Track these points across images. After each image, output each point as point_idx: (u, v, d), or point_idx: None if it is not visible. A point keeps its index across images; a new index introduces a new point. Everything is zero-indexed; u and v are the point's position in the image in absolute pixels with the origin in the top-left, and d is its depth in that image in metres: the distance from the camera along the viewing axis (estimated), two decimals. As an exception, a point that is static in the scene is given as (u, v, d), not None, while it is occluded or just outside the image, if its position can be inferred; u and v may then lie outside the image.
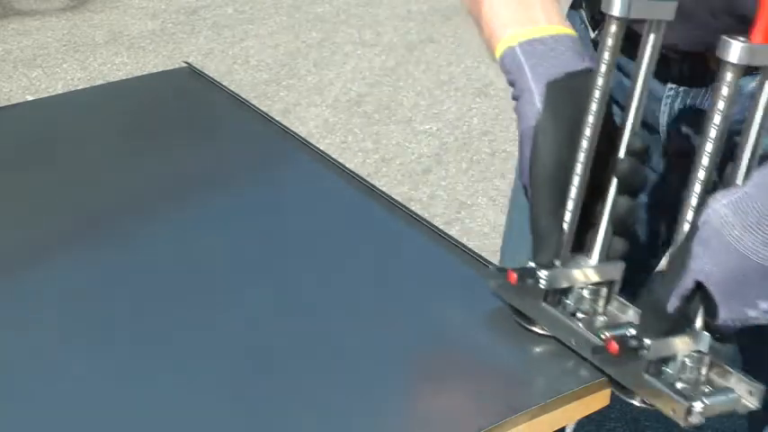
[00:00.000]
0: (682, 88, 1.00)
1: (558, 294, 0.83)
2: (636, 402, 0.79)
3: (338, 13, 3.97)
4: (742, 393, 0.75)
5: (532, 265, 0.83)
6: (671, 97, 1.01)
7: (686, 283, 0.72)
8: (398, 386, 0.82)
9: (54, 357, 0.84)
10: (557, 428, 0.81)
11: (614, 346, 0.75)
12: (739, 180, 0.74)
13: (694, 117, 0.98)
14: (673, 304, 0.73)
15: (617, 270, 0.84)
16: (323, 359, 0.84)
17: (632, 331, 0.78)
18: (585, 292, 0.84)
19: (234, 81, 3.27)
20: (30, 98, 3.13)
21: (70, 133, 1.20)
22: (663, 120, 1.03)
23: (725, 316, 0.72)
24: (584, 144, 0.80)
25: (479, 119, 3.21)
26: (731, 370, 0.76)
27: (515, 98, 0.85)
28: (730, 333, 0.75)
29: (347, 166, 1.12)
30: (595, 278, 0.83)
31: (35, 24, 3.82)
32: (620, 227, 0.83)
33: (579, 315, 0.84)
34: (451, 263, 0.97)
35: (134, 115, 1.25)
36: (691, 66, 0.98)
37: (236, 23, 3.82)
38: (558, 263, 0.82)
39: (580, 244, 0.84)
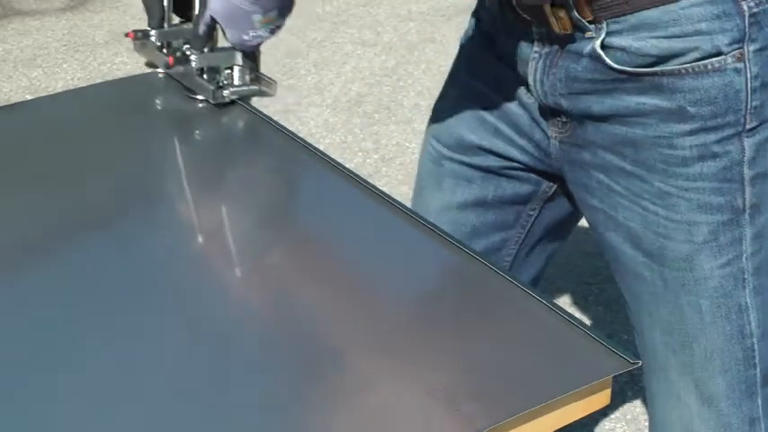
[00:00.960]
0: (544, 49, 1.09)
1: (171, 48, 1.27)
2: (198, 98, 1.23)
3: (338, 13, 3.97)
4: (264, 87, 1.23)
5: (148, 29, 1.26)
6: (534, 59, 1.10)
7: (206, 17, 1.15)
8: (398, 386, 0.82)
9: (49, 356, 0.84)
10: (557, 428, 0.81)
11: (171, 60, 1.23)
12: None
13: (551, 77, 1.09)
14: (201, 29, 1.17)
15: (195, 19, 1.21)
16: (322, 358, 0.84)
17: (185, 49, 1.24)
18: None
19: (234, 81, 3.26)
20: (30, 98, 3.13)
21: (69, 132, 1.20)
22: (531, 80, 1.12)
23: (230, 38, 1.16)
24: None
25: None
26: (263, 76, 1.22)
27: None
28: (250, 51, 1.20)
29: (347, 166, 1.12)
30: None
31: (35, 24, 3.82)
32: None
33: (187, 53, 1.23)
34: (451, 263, 0.97)
35: (133, 114, 1.25)
36: (546, 30, 1.07)
37: (236, 23, 3.82)
38: (166, 26, 1.26)
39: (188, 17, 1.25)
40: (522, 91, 1.15)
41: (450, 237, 0.99)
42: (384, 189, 1.09)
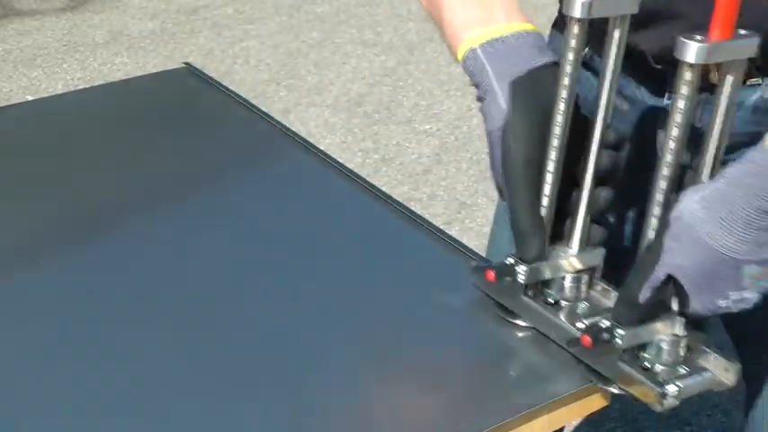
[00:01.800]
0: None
1: (539, 286, 0.86)
2: (614, 390, 0.81)
3: (338, 13, 3.96)
4: (718, 372, 0.79)
5: (511, 260, 0.85)
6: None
7: (658, 276, 0.75)
8: (398, 386, 0.82)
9: (55, 353, 0.84)
10: (557, 428, 0.81)
11: (587, 340, 0.78)
12: (705, 176, 0.76)
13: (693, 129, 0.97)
14: (644, 295, 0.76)
15: (597, 256, 0.86)
16: (321, 358, 0.84)
17: (606, 323, 0.79)
18: (567, 281, 0.86)
19: (234, 81, 3.26)
20: (30, 98, 3.13)
21: (70, 133, 1.20)
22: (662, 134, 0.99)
23: (696, 306, 0.76)
24: (555, 141, 0.82)
25: (479, 119, 3.20)
26: (708, 350, 0.79)
27: (480, 99, 0.85)
28: (704, 318, 0.78)
29: (347, 166, 1.12)
30: (577, 266, 0.86)
31: (35, 24, 3.82)
32: (598, 216, 0.85)
33: (562, 303, 0.85)
34: (451, 263, 0.97)
35: (134, 115, 1.25)
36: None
37: (236, 23, 3.82)
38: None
39: (558, 234, 0.86)
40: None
41: (450, 237, 0.99)
42: (384, 189, 1.09)
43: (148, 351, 0.85)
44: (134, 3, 3.91)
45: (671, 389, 0.76)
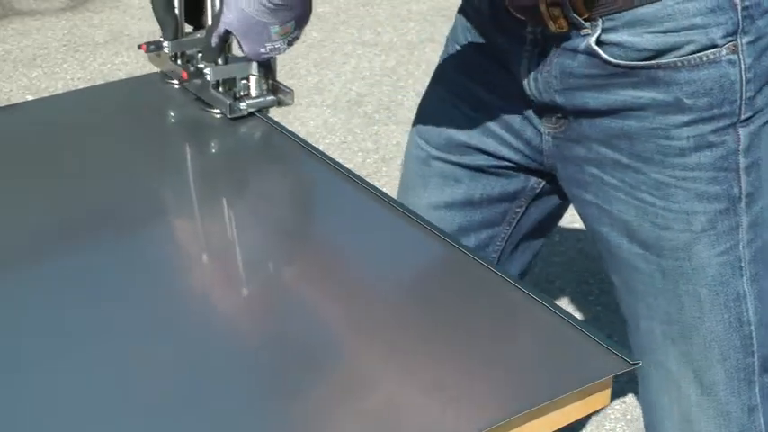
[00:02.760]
0: (537, 48, 1.10)
1: (185, 57, 1.25)
2: (215, 111, 1.21)
3: (338, 13, 3.97)
4: (281, 96, 1.22)
5: (160, 39, 1.24)
6: (527, 58, 1.11)
7: (219, 29, 1.12)
8: (397, 387, 0.82)
9: (49, 357, 0.84)
10: (557, 428, 0.82)
11: (185, 74, 1.21)
12: None
13: (546, 75, 1.10)
14: (213, 41, 1.14)
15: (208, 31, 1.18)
16: (321, 357, 0.84)
17: (200, 65, 1.21)
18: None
19: (234, 81, 3.26)
20: (30, 98, 3.13)
21: (70, 133, 1.20)
22: (525, 78, 1.13)
23: (246, 51, 1.13)
24: None
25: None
26: (280, 84, 1.21)
27: None
28: (263, 61, 1.18)
29: (347, 166, 1.12)
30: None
31: (35, 24, 3.82)
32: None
33: (198, 65, 1.23)
34: (451, 263, 0.97)
35: (134, 115, 1.26)
36: (541, 30, 1.08)
37: (236, 23, 3.82)
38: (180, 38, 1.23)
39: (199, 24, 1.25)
40: (513, 88, 1.16)
41: (450, 237, 0.99)
42: (384, 189, 1.09)
43: (147, 350, 0.85)
44: (134, 3, 3.91)
45: (242, 104, 1.19)
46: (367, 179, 1.10)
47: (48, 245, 1.00)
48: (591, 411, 0.83)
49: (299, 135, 1.18)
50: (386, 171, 2.90)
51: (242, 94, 1.20)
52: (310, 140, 1.18)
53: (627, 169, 1.10)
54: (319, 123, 3.15)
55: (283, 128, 1.19)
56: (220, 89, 1.20)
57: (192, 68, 1.22)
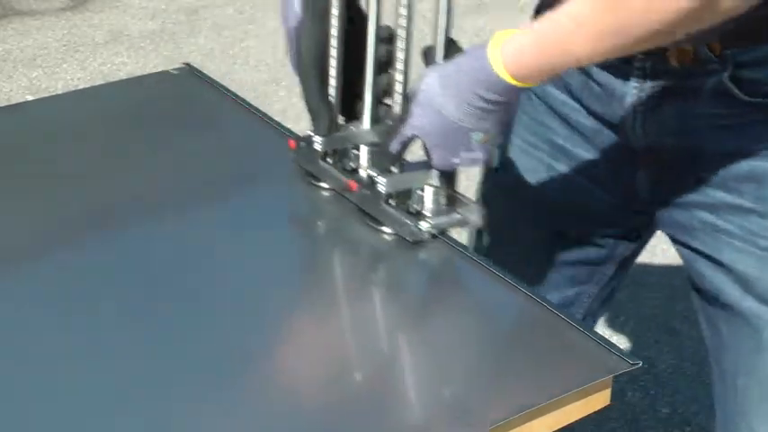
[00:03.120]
0: (646, 84, 1.02)
1: (337, 155, 1.04)
2: (385, 230, 0.98)
3: (338, 13, 3.96)
4: (465, 212, 0.98)
5: (310, 133, 1.04)
6: (634, 96, 1.03)
7: (406, 133, 0.94)
8: (397, 387, 0.82)
9: (55, 352, 0.84)
10: (557, 428, 0.81)
11: (353, 184, 1.00)
12: (439, 57, 0.93)
13: (658, 114, 1.03)
14: (394, 147, 0.95)
15: (383, 131, 1.00)
16: (322, 358, 0.84)
17: (371, 173, 0.98)
18: (362, 152, 1.02)
19: (234, 81, 3.26)
20: (30, 98, 3.13)
21: (70, 133, 1.20)
22: (629, 119, 1.05)
23: (436, 161, 0.94)
24: (335, 33, 1.00)
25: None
26: (458, 196, 0.98)
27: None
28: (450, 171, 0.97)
29: (347, 166, 1.12)
30: (369, 139, 1.02)
31: (35, 24, 3.82)
32: (382, 97, 1.01)
33: (360, 172, 1.02)
34: (451, 264, 0.97)
35: (134, 115, 1.25)
36: (652, 64, 1.00)
37: (236, 23, 3.82)
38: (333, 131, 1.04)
39: (353, 114, 1.04)
40: (604, 134, 1.08)
41: (450, 237, 0.99)
42: (384, 189, 1.09)
43: (148, 350, 0.85)
44: (134, 3, 3.91)
45: (424, 224, 0.96)
46: (367, 179, 1.09)
47: (47, 244, 1.00)
48: (591, 411, 0.83)
49: (299, 135, 1.18)
50: (386, 171, 2.90)
51: (416, 207, 0.98)
52: (310, 140, 1.17)
53: (749, 214, 1.02)
54: (319, 123, 3.14)
55: (283, 127, 1.19)
56: (391, 201, 0.98)
57: (361, 177, 1.01)
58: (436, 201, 0.98)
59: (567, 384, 0.81)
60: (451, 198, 0.98)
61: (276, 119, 1.22)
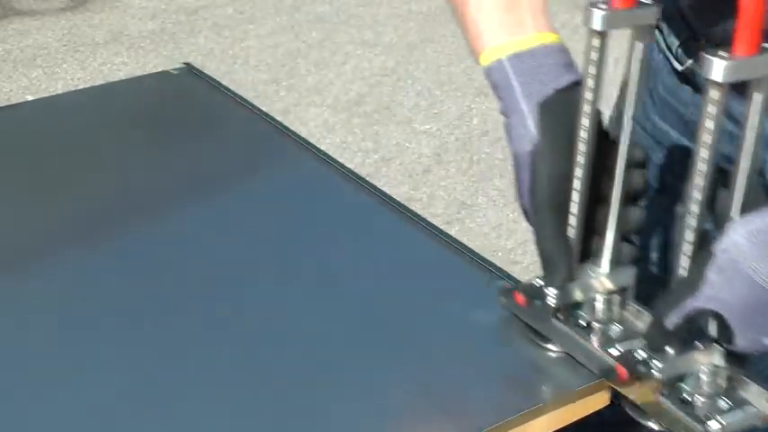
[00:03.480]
0: None
1: (569, 309, 0.83)
2: (653, 426, 0.77)
3: (338, 13, 3.96)
4: (761, 404, 0.74)
5: (540, 282, 0.83)
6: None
7: (693, 305, 0.72)
8: (397, 387, 0.82)
9: (56, 353, 0.84)
10: (556, 428, 0.81)
11: (623, 373, 0.76)
12: (735, 207, 0.73)
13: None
14: (672, 322, 0.74)
15: (629, 276, 0.83)
16: (323, 359, 0.84)
17: (642, 353, 0.77)
18: (599, 303, 0.83)
19: (234, 81, 3.26)
20: (30, 98, 3.13)
21: (70, 133, 1.20)
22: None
23: (741, 343, 0.72)
24: (580, 158, 0.80)
25: (479, 119, 3.21)
26: (748, 380, 0.75)
27: (504, 114, 0.83)
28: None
29: (347, 166, 1.12)
30: (608, 286, 0.83)
31: (35, 24, 3.82)
32: (628, 234, 0.83)
33: (594, 326, 0.82)
34: (451, 263, 0.97)
35: (134, 115, 1.25)
36: None
37: (236, 23, 3.82)
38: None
39: (588, 253, 0.83)
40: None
41: (450, 237, 0.99)
42: (384, 189, 1.09)
43: (147, 350, 0.85)
44: (134, 3, 3.91)
45: (714, 426, 0.73)
46: (367, 179, 1.10)
47: (47, 245, 1.00)
48: (591, 411, 0.83)
49: (300, 135, 1.18)
50: (386, 171, 2.91)
51: (691, 393, 0.76)
52: (310, 140, 1.17)
53: None
54: (319, 123, 3.15)
55: (283, 127, 1.19)
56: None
57: (639, 361, 0.76)
58: (714, 383, 0.76)
59: (567, 384, 0.81)
60: (744, 387, 0.76)
61: (278, 118, 1.22)
